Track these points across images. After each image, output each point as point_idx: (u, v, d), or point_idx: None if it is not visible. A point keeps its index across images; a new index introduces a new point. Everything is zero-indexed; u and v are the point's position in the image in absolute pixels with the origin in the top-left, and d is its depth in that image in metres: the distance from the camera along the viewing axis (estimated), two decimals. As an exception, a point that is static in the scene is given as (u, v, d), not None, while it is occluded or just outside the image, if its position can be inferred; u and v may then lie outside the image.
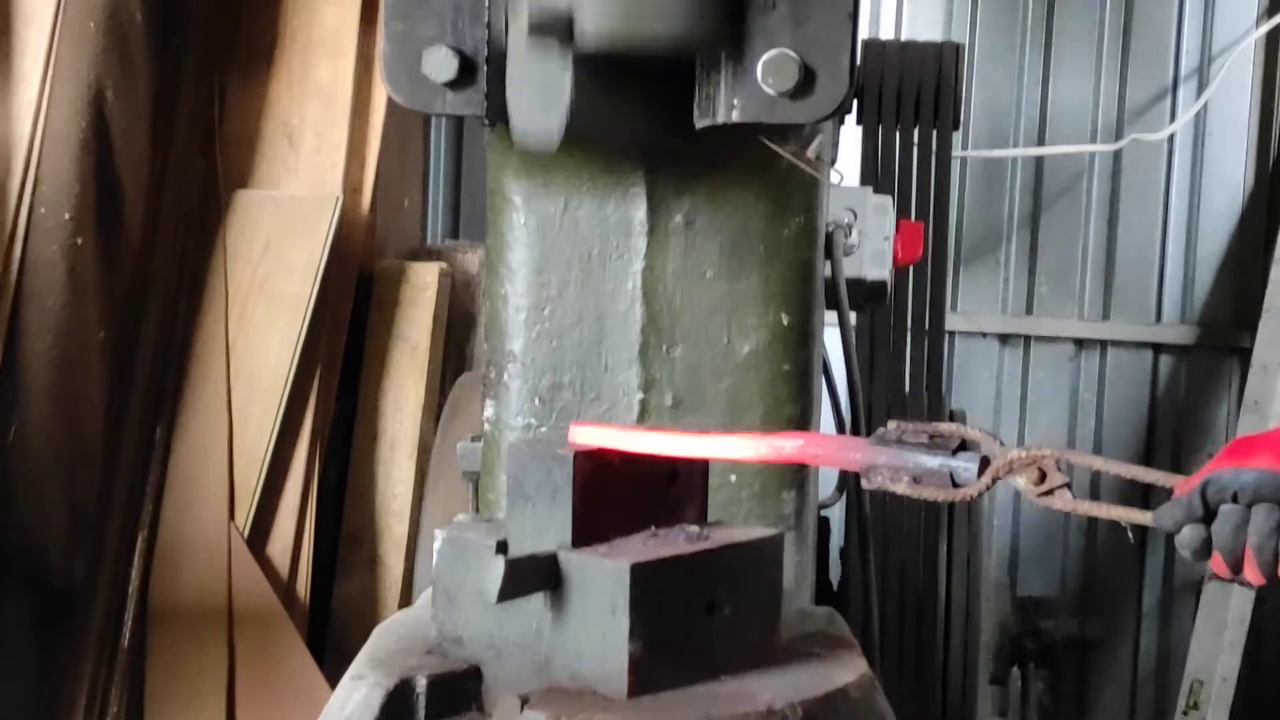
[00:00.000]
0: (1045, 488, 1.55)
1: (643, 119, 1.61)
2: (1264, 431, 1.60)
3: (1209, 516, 1.53)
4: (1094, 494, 1.60)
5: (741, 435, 1.61)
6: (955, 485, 1.55)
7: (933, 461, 1.55)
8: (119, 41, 3.85)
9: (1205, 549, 1.53)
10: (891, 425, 1.59)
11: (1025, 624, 4.13)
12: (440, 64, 1.64)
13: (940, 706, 3.74)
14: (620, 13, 1.49)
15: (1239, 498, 1.52)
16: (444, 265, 4.59)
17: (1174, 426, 5.82)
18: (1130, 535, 1.72)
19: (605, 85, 1.53)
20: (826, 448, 1.61)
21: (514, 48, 1.46)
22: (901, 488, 1.56)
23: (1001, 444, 1.56)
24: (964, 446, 1.56)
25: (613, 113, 1.56)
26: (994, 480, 1.55)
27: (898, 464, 1.56)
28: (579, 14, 1.47)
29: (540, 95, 1.51)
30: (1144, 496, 4.21)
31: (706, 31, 1.56)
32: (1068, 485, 1.55)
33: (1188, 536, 1.53)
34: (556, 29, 1.46)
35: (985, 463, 1.55)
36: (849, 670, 1.60)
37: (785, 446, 1.59)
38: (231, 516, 4.08)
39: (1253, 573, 1.52)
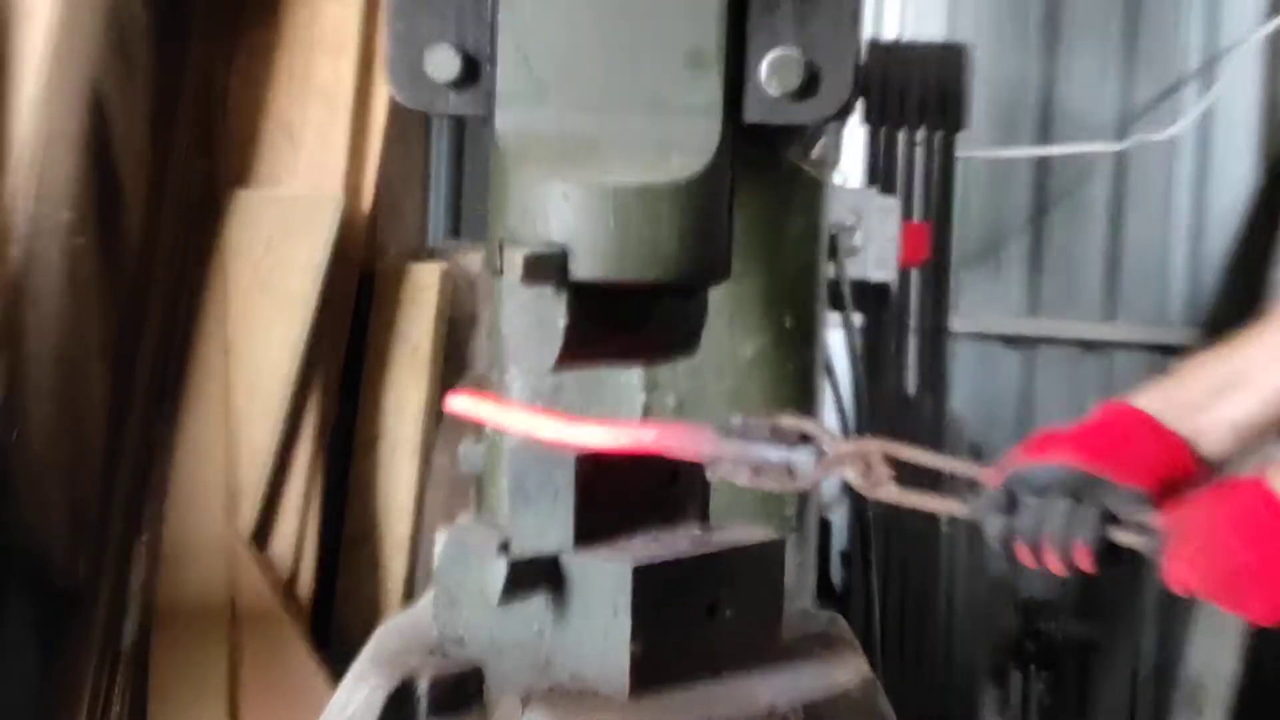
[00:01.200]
0: (872, 480, 1.60)
1: (638, 333, 1.62)
2: (1068, 426, 1.68)
3: (1014, 508, 1.59)
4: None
5: (603, 422, 1.64)
6: (792, 477, 1.60)
7: (774, 454, 1.60)
8: (120, 40, 3.84)
9: (1011, 539, 1.59)
10: (737, 418, 1.64)
11: (1026, 625, 4.13)
12: (443, 63, 1.63)
13: (941, 707, 3.74)
14: (614, 258, 1.50)
15: (1039, 490, 1.59)
16: (445, 265, 4.58)
17: (1178, 428, 5.80)
18: (945, 527, 1.88)
19: (600, 312, 1.54)
20: (678, 438, 1.63)
21: (508, 283, 1.48)
22: (743, 479, 1.61)
23: (832, 438, 1.61)
24: (804, 439, 1.61)
25: (607, 335, 1.58)
26: (825, 473, 1.61)
27: (741, 456, 1.61)
28: (573, 258, 1.48)
29: (535, 330, 1.52)
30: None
31: (704, 265, 1.57)
32: (893, 478, 1.61)
33: (994, 528, 1.59)
34: (550, 268, 1.48)
35: (822, 456, 1.60)
36: (850, 671, 1.60)
37: (644, 436, 1.62)
38: (233, 517, 4.08)
39: (1053, 563, 1.58)
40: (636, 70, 1.56)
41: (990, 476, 1.61)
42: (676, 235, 1.51)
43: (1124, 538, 1.59)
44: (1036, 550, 1.58)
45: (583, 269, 1.49)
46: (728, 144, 1.57)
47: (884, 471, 1.60)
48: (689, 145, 1.53)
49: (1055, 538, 1.57)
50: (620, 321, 1.57)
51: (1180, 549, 1.56)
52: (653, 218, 1.50)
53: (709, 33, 1.56)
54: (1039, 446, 1.64)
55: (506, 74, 1.57)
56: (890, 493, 1.60)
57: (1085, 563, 1.58)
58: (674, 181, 1.51)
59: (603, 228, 1.49)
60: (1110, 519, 1.58)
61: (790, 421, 1.63)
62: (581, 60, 1.56)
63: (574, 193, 1.49)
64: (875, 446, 1.61)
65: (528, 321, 1.53)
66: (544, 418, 1.63)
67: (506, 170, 1.54)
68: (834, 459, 1.60)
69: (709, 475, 1.64)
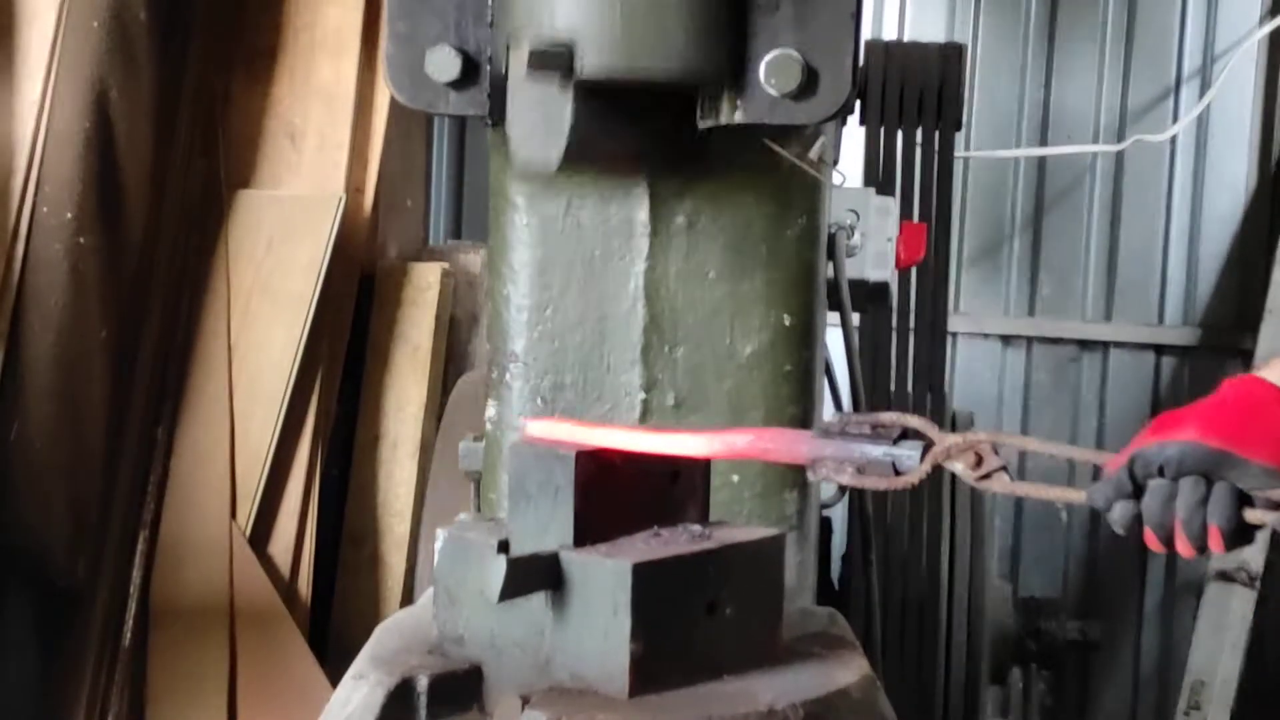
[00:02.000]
0: (983, 471, 1.57)
1: (643, 137, 1.60)
2: (1189, 405, 1.62)
3: (1139, 492, 1.54)
4: (1070, 481, 1.62)
5: (696, 431, 1.62)
6: (897, 473, 1.58)
7: (876, 451, 1.58)
8: (122, 41, 3.85)
9: (1137, 524, 1.55)
10: (836, 417, 1.62)
11: (1027, 625, 4.12)
12: (443, 64, 1.64)
13: (942, 707, 3.74)
14: (621, 49, 1.48)
15: (1165, 471, 1.53)
16: (446, 265, 4.59)
17: (1176, 428, 5.80)
18: (1064, 514, 1.80)
19: (605, 110, 1.52)
20: (776, 441, 1.63)
21: (514, 77, 1.46)
22: (846, 478, 1.59)
23: (940, 431, 1.59)
24: (905, 435, 1.59)
25: (613, 135, 1.56)
26: (934, 467, 1.57)
27: (843, 455, 1.58)
28: (579, 49, 1.47)
29: (540, 124, 1.51)
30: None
31: (707, 63, 1.56)
32: (1004, 468, 1.58)
33: (1118, 512, 1.55)
34: (557, 63, 1.46)
35: (927, 450, 1.58)
36: (850, 670, 1.60)
37: (737, 441, 1.61)
38: (233, 516, 4.08)
39: (1184, 546, 1.53)
40: None
41: (1111, 460, 1.57)
42: (682, 29, 1.49)
43: (1257, 515, 1.52)
44: (1166, 534, 1.53)
45: (589, 64, 1.47)
46: None
47: (995, 462, 1.57)
48: None
49: (1187, 520, 1.51)
50: (625, 120, 1.55)
51: None
52: (658, 10, 1.49)
53: None
54: (1163, 426, 1.57)
55: None
56: (1004, 483, 1.57)
57: (1217, 544, 1.52)
58: None
59: (608, 21, 1.47)
60: (1242, 497, 1.52)
61: (891, 417, 1.60)
62: None
63: None
64: (985, 437, 1.58)
65: (533, 119, 1.51)
66: (639, 432, 1.61)
67: None
68: (942, 452, 1.57)
69: (811, 477, 1.61)
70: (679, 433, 1.63)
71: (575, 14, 1.47)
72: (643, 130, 1.58)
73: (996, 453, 1.58)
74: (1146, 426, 1.58)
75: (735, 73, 1.61)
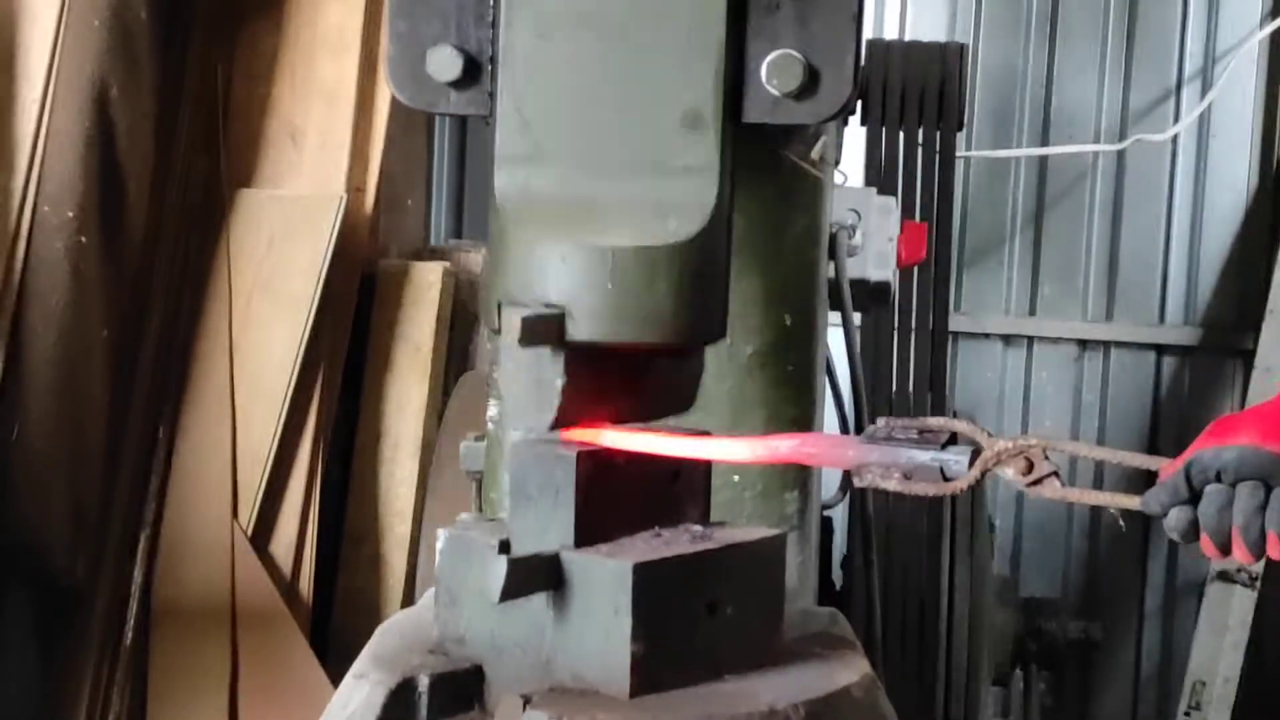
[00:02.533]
0: (1034, 477, 1.56)
1: (636, 394, 1.61)
2: (1247, 409, 1.59)
3: (1195, 498, 1.52)
4: (1098, 485, 1.61)
5: (739, 437, 1.62)
6: (946, 479, 1.56)
7: (924, 456, 1.56)
8: (123, 40, 3.85)
9: (1193, 531, 1.53)
10: (881, 422, 1.60)
11: (1027, 625, 4.12)
12: (444, 63, 1.64)
13: (943, 707, 3.74)
14: (612, 320, 1.49)
15: (1222, 477, 1.51)
16: (447, 265, 4.59)
17: (1177, 428, 5.81)
18: (1121, 522, 1.74)
19: (598, 373, 1.53)
20: (820, 447, 1.62)
21: (506, 344, 1.48)
22: (893, 484, 1.57)
23: (990, 436, 1.57)
24: (953, 440, 1.57)
25: (605, 396, 1.57)
26: (984, 472, 1.56)
27: (890, 460, 1.56)
28: (571, 320, 1.47)
29: (533, 391, 1.52)
30: (1146, 486, 4.19)
31: (701, 328, 1.56)
32: (1055, 474, 1.56)
33: (1174, 519, 1.53)
34: (548, 334, 1.47)
35: (975, 455, 1.56)
36: (851, 671, 1.60)
37: (781, 447, 1.60)
38: (234, 515, 4.08)
39: (1241, 552, 1.51)
40: (634, 132, 1.55)
41: (1167, 466, 1.55)
42: (673, 297, 1.50)
43: None
44: (1224, 540, 1.51)
45: (580, 330, 1.48)
46: (725, 205, 1.56)
47: (1047, 467, 1.55)
48: (686, 207, 1.53)
49: (1245, 526, 1.49)
50: (617, 381, 1.56)
51: None
52: (650, 280, 1.49)
53: (706, 94, 1.55)
54: (1220, 431, 1.55)
55: (505, 135, 1.57)
56: (1055, 489, 1.56)
57: (1276, 550, 1.49)
58: (671, 244, 1.50)
59: (600, 290, 1.48)
60: None
61: (938, 422, 1.59)
62: (580, 122, 1.56)
63: (572, 255, 1.49)
64: (1036, 442, 1.56)
65: (526, 382, 1.52)
66: (680, 438, 1.61)
67: (505, 230, 1.54)
68: (992, 457, 1.55)
69: (856, 482, 1.59)
70: (723, 439, 1.63)
71: (566, 282, 1.48)
72: (636, 388, 1.59)
73: (1047, 458, 1.56)
74: (1204, 431, 1.56)
75: (737, 74, 1.61)
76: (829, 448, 1.62)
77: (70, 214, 3.74)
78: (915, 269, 4.26)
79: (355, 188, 4.36)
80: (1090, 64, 5.82)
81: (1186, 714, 5.28)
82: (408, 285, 4.50)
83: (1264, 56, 5.72)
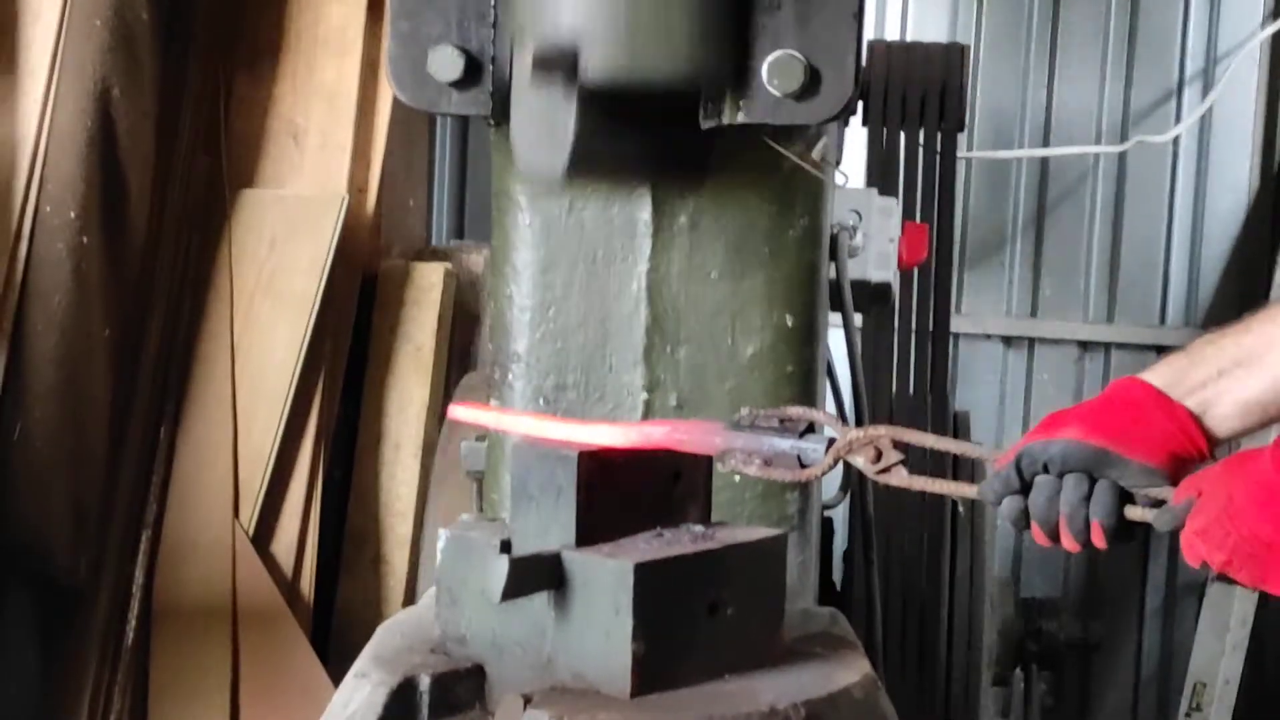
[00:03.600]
0: (882, 465, 1.62)
1: (647, 142, 1.60)
2: (1075, 405, 1.66)
3: (1026, 488, 1.59)
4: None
5: (613, 422, 1.65)
6: (802, 466, 1.62)
7: (784, 444, 1.63)
8: (125, 40, 3.85)
9: (1024, 519, 1.59)
10: (745, 410, 1.66)
11: (1028, 625, 4.12)
12: (446, 63, 1.64)
13: (943, 707, 3.74)
14: (625, 52, 1.48)
15: (1049, 468, 1.58)
16: (449, 265, 4.59)
17: (1178, 429, 5.80)
18: (960, 509, 1.88)
19: (610, 116, 1.52)
20: (690, 433, 1.65)
21: (518, 81, 1.45)
22: (754, 470, 1.64)
23: (844, 425, 1.64)
24: (811, 429, 1.64)
25: (617, 141, 1.56)
26: (836, 459, 1.63)
27: (753, 447, 1.63)
28: (583, 52, 1.46)
29: (545, 130, 1.50)
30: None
31: (711, 68, 1.55)
32: (903, 463, 1.62)
33: (1007, 508, 1.60)
34: (561, 66, 1.45)
35: (831, 444, 1.62)
36: (852, 671, 1.60)
37: (653, 433, 1.64)
38: (236, 515, 4.09)
39: (1068, 540, 1.57)
40: None
41: (1000, 457, 1.61)
42: (685, 32, 1.49)
43: (1138, 513, 1.56)
44: (1051, 529, 1.57)
45: (593, 68, 1.47)
46: None
47: (894, 456, 1.61)
48: None
49: (1070, 515, 1.55)
50: (630, 127, 1.54)
51: (1196, 522, 1.53)
52: (662, 13, 1.48)
53: None
54: (1048, 425, 1.63)
55: None
56: (901, 477, 1.62)
57: (1100, 539, 1.56)
58: None
59: (612, 24, 1.47)
60: (1124, 494, 1.57)
61: (798, 411, 1.65)
62: None
63: None
64: (885, 432, 1.62)
65: (537, 127, 1.50)
66: (551, 420, 1.64)
67: None
68: (844, 445, 1.61)
69: (720, 467, 1.65)
70: (598, 423, 1.67)
71: (579, 16, 1.47)
72: (647, 136, 1.58)
73: (896, 447, 1.62)
74: (1036, 425, 1.63)
75: (738, 74, 1.61)
76: (697, 434, 1.65)
77: (72, 214, 3.74)
78: (916, 270, 4.26)
79: (357, 188, 4.36)
80: (1091, 65, 5.82)
81: (1187, 715, 5.27)
82: (409, 286, 4.50)
83: (1265, 57, 5.72)
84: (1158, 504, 1.56)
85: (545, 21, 1.48)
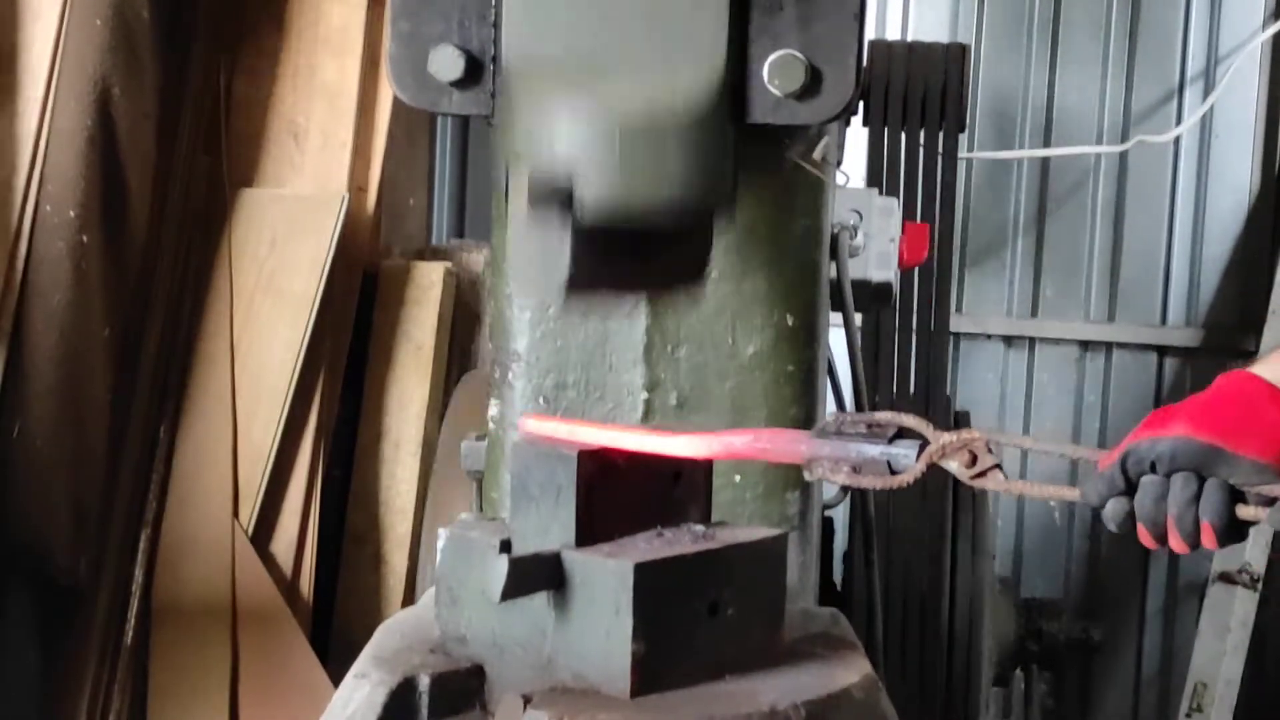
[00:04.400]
0: (977, 470, 1.58)
1: (644, 265, 1.60)
2: (1182, 401, 1.61)
3: (1131, 489, 1.54)
4: (1072, 480, 1.63)
5: (694, 433, 1.63)
6: (893, 472, 1.58)
7: (873, 450, 1.58)
8: (125, 39, 3.85)
9: (1129, 521, 1.55)
10: (831, 417, 1.63)
11: (1028, 626, 4.12)
12: (447, 63, 1.64)
13: (943, 708, 3.74)
14: (619, 186, 1.48)
15: (1157, 467, 1.53)
16: (449, 264, 4.59)
17: (1178, 429, 5.80)
18: (1057, 513, 1.79)
19: (606, 245, 1.52)
20: (774, 442, 1.63)
21: (514, 209, 1.46)
22: (841, 478, 1.59)
23: (936, 430, 1.59)
24: (901, 434, 1.59)
25: (613, 266, 1.56)
26: (929, 465, 1.58)
27: (839, 455, 1.59)
28: (578, 187, 1.46)
29: (541, 259, 1.50)
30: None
31: (711, 201, 1.55)
32: (998, 466, 1.58)
33: (1112, 510, 1.55)
34: (556, 199, 1.46)
35: (922, 449, 1.58)
36: (852, 671, 1.60)
37: (735, 442, 1.61)
38: (235, 514, 4.08)
39: (1176, 542, 1.52)
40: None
41: (1104, 458, 1.56)
42: (682, 163, 1.49)
43: (1250, 512, 1.51)
44: (1159, 530, 1.53)
45: (588, 200, 1.47)
46: (732, 70, 1.54)
47: (990, 460, 1.57)
48: (695, 77, 1.52)
49: (1179, 516, 1.50)
50: (626, 250, 1.54)
51: None
52: (658, 145, 1.48)
53: None
54: (1154, 423, 1.57)
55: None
56: (998, 481, 1.58)
57: (1210, 540, 1.51)
58: (679, 117, 1.49)
59: (609, 154, 1.47)
60: (1235, 493, 1.52)
61: (886, 416, 1.61)
62: None
63: (580, 125, 1.48)
64: (979, 435, 1.58)
65: (533, 250, 1.51)
66: (637, 433, 1.61)
67: (512, 95, 1.53)
68: (937, 450, 1.57)
69: (807, 476, 1.62)
70: (678, 434, 1.63)
71: (574, 150, 1.47)
72: (643, 259, 1.58)
73: (991, 451, 1.58)
74: (1141, 423, 1.58)
75: (739, 75, 1.61)
76: (782, 443, 1.63)
77: (72, 213, 3.74)
78: (917, 270, 4.26)
79: (357, 187, 4.36)
80: (1092, 65, 5.82)
81: (1188, 716, 5.27)
82: (409, 285, 4.50)
83: (1266, 58, 5.72)
84: (1270, 502, 1.51)
85: (540, 154, 1.48)
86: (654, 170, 1.48)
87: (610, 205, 1.47)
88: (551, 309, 1.93)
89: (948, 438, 1.58)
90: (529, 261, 1.52)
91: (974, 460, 1.58)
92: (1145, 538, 1.55)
